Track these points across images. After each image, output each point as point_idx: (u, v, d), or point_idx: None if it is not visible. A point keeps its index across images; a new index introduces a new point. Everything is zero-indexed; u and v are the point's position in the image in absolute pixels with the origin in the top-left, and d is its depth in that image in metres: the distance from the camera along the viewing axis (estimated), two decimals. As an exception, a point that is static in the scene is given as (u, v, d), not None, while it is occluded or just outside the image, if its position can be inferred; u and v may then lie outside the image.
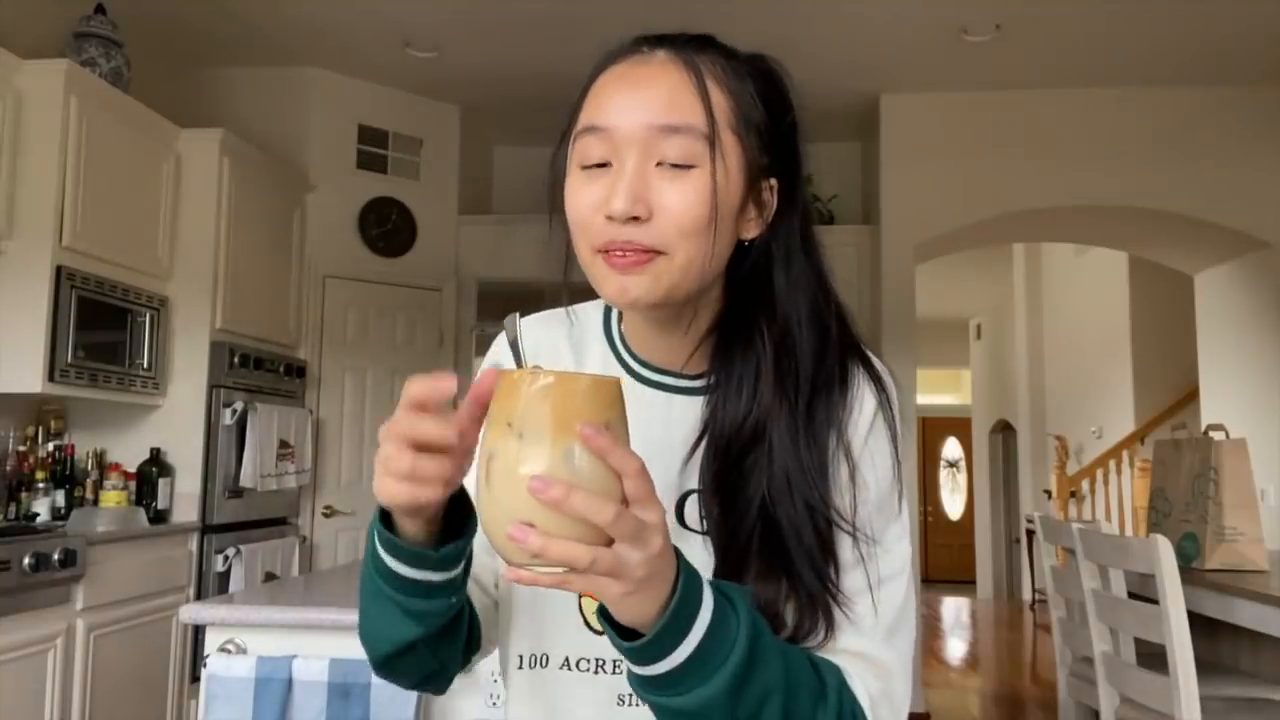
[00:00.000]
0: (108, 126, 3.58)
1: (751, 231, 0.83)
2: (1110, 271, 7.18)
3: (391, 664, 0.82)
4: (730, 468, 0.81)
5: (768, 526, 0.79)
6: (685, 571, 0.67)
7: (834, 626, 0.79)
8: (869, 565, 0.81)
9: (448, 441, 0.66)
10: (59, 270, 3.32)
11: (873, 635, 0.81)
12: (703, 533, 0.83)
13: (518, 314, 0.77)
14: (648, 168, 0.77)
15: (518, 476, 0.61)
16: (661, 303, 0.80)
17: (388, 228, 5.10)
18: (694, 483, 0.83)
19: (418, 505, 0.68)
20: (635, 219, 0.76)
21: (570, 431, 0.61)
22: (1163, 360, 6.83)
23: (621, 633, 0.68)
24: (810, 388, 0.82)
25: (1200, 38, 4.39)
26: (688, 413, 0.85)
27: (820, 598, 0.79)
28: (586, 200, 0.79)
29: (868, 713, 0.78)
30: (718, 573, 0.80)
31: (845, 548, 0.81)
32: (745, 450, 0.81)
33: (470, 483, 0.70)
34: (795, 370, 0.81)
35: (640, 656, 0.67)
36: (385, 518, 0.75)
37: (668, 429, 0.86)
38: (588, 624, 0.85)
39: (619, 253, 0.77)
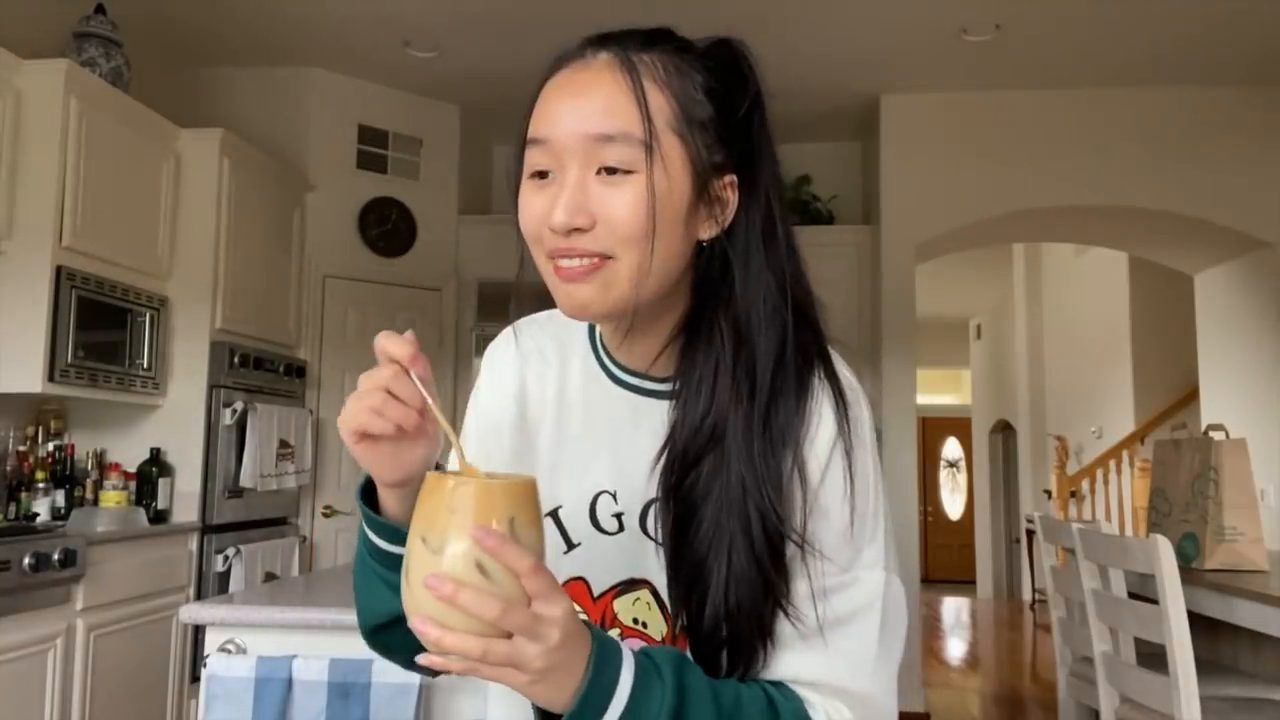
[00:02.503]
0: (108, 126, 3.58)
1: (708, 231, 0.82)
2: (1110, 271, 7.18)
3: (380, 636, 0.87)
4: (687, 472, 0.80)
5: (720, 536, 0.78)
6: (598, 654, 0.70)
7: (784, 649, 0.79)
8: (828, 598, 0.79)
9: (415, 401, 0.75)
10: (59, 270, 3.32)
11: (847, 666, 0.79)
12: (660, 543, 0.82)
13: (415, 375, 0.77)
14: (588, 176, 0.77)
15: (422, 576, 0.67)
16: (612, 312, 0.79)
17: (388, 228, 5.10)
18: (656, 490, 0.83)
19: (368, 432, 0.75)
20: (578, 229, 0.77)
21: (469, 535, 0.66)
22: (1163, 360, 6.83)
23: (546, 716, 0.72)
24: (769, 391, 0.80)
25: (1200, 38, 4.39)
26: (655, 418, 0.85)
27: (765, 615, 0.78)
28: (533, 212, 0.79)
29: None
30: (672, 586, 0.80)
31: (801, 574, 0.79)
32: (702, 453, 0.80)
33: None
34: (753, 371, 0.80)
35: None
36: (369, 498, 0.82)
37: (636, 434, 0.86)
38: None
39: (566, 263, 0.78)
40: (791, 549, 0.78)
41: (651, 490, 0.83)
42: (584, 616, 0.77)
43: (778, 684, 0.80)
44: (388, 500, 0.81)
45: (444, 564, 0.66)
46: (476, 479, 0.70)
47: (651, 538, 0.84)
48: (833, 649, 0.79)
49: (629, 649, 0.73)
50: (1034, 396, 8.66)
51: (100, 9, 3.86)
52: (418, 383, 0.75)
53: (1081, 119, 4.94)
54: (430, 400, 0.75)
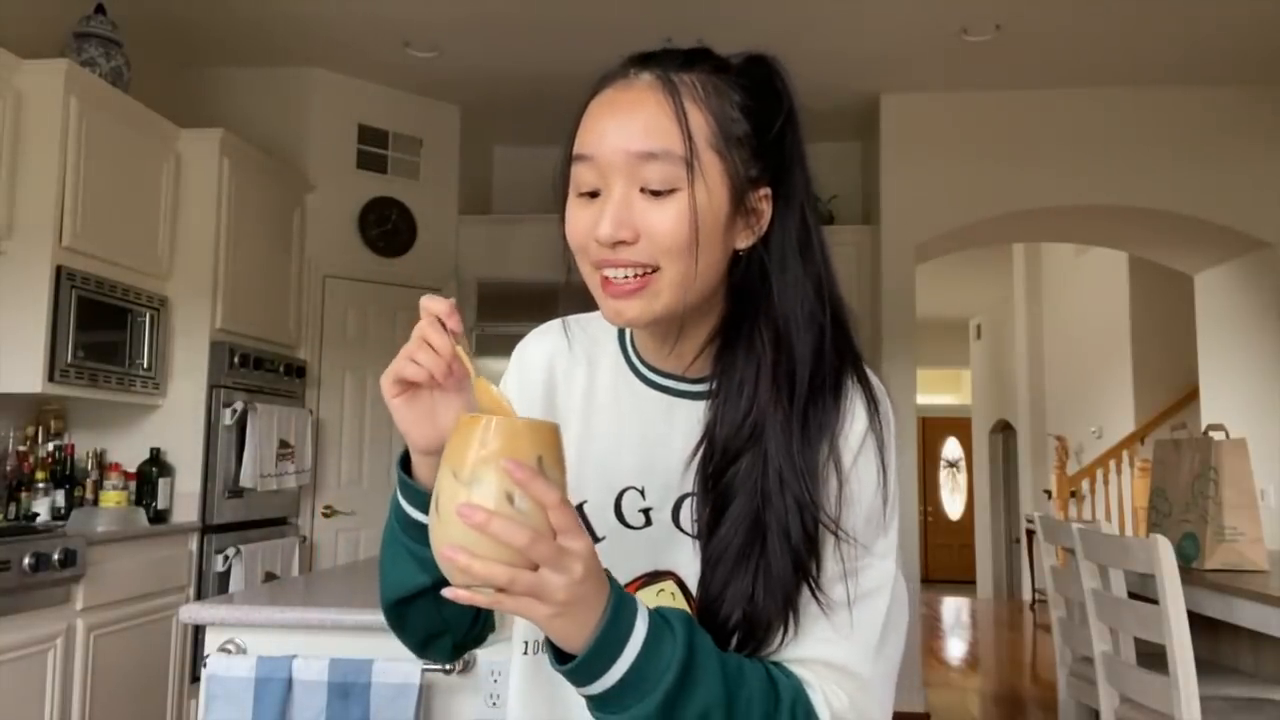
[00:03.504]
0: (108, 126, 3.58)
1: (745, 241, 0.86)
2: (1110, 271, 7.18)
3: (399, 612, 0.89)
4: (725, 468, 0.83)
5: (756, 527, 0.81)
6: (615, 598, 0.73)
7: (800, 626, 0.82)
8: (852, 580, 0.83)
9: (445, 350, 0.80)
10: (59, 270, 3.32)
11: (851, 648, 0.83)
12: (695, 536, 0.85)
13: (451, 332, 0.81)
14: (632, 192, 0.81)
15: (454, 506, 0.69)
16: (658, 320, 0.84)
17: (388, 228, 5.10)
18: (691, 486, 0.86)
19: (404, 378, 0.81)
20: (622, 242, 0.81)
21: (500, 468, 0.69)
22: (1163, 360, 6.83)
23: (561, 657, 0.74)
24: (807, 391, 0.84)
25: (1199, 38, 4.39)
26: (689, 416, 0.88)
27: (794, 598, 0.81)
28: (580, 226, 0.83)
29: None
30: (703, 575, 0.83)
31: (830, 556, 0.83)
32: (742, 450, 0.83)
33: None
34: (792, 372, 0.84)
35: (574, 678, 0.73)
36: (406, 466, 0.86)
37: (670, 432, 0.89)
38: None
39: (614, 280, 0.82)
40: (823, 533, 0.82)
41: (686, 485, 0.86)
42: None
43: (775, 663, 0.82)
44: (422, 469, 0.85)
45: (474, 495, 0.68)
46: (505, 418, 0.72)
47: (685, 531, 0.87)
48: (839, 630, 0.82)
49: (642, 602, 0.76)
50: (1034, 396, 8.66)
51: (100, 9, 3.86)
52: (448, 334, 0.80)
53: (1081, 119, 4.94)
54: (459, 348, 0.80)
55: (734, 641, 0.81)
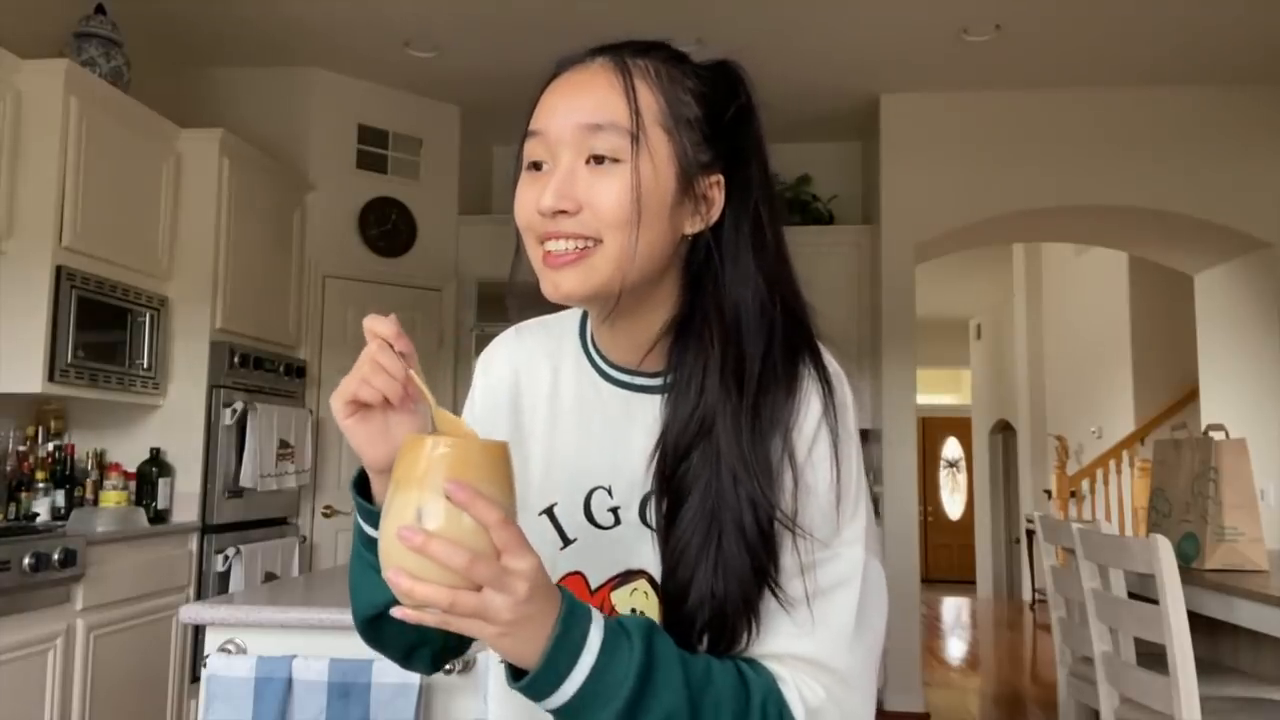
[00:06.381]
0: (108, 126, 3.58)
1: (692, 226, 0.85)
2: (1110, 271, 7.18)
3: (374, 628, 0.89)
4: (678, 464, 0.82)
5: (711, 526, 0.80)
6: (566, 613, 0.72)
7: (762, 625, 0.81)
8: (809, 574, 0.81)
9: (399, 373, 0.79)
10: (59, 270, 3.32)
11: (821, 642, 0.81)
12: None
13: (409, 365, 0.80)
14: (578, 165, 0.82)
15: (396, 528, 0.69)
16: (595, 295, 0.83)
17: (388, 228, 5.10)
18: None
19: (357, 399, 0.80)
20: (563, 213, 0.81)
21: (442, 489, 0.69)
22: (1163, 360, 6.83)
23: (516, 673, 0.74)
24: (757, 385, 0.82)
25: (1200, 38, 4.39)
26: (648, 412, 0.87)
27: (753, 597, 0.80)
28: (525, 200, 0.84)
29: (799, 718, 0.79)
30: (663, 577, 0.82)
31: (788, 551, 0.81)
32: (692, 446, 0.82)
33: None
34: (741, 367, 0.83)
35: (529, 693, 0.73)
36: (362, 489, 0.85)
37: (631, 429, 0.88)
38: None
39: (553, 246, 0.82)
40: (779, 529, 0.81)
41: (649, 483, 0.85)
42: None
43: (750, 660, 0.81)
44: (380, 488, 0.84)
45: (419, 516, 0.68)
46: (450, 439, 0.72)
47: (652, 528, 0.86)
48: (801, 625, 0.81)
49: (600, 613, 0.75)
50: (1034, 396, 8.66)
51: (100, 9, 3.86)
52: (399, 358, 0.79)
53: (1081, 119, 4.94)
54: (411, 371, 0.80)
55: (704, 641, 0.81)
